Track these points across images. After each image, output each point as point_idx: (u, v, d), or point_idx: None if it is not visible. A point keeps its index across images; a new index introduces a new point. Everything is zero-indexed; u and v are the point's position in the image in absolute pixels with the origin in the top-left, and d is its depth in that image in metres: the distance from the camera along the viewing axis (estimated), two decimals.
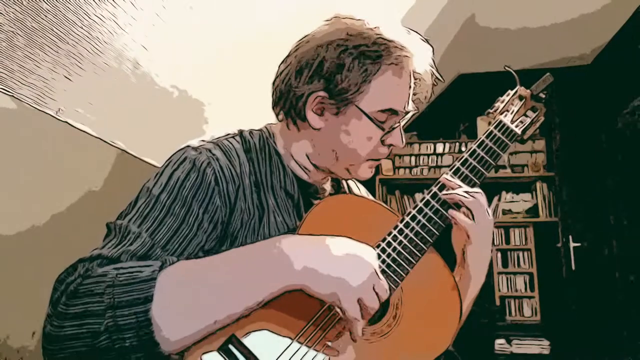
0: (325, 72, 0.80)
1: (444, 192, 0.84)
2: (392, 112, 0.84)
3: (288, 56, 0.86)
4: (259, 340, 0.69)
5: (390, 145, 0.87)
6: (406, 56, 0.82)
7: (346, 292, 0.67)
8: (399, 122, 0.86)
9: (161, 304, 0.61)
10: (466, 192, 0.84)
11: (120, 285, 0.61)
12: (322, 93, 0.81)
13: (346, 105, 0.82)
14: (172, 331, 0.62)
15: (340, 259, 0.69)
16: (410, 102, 0.87)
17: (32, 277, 1.22)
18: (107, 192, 1.60)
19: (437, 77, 0.88)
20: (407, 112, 0.86)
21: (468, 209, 0.83)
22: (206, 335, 0.65)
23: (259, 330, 0.70)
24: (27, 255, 1.37)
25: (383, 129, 0.84)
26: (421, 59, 0.84)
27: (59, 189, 1.47)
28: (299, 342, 0.71)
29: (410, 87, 0.85)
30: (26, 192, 1.37)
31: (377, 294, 0.70)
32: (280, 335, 0.70)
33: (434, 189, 0.86)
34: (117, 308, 0.60)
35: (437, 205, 0.84)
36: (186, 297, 0.64)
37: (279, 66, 0.87)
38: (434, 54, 0.87)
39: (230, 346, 0.67)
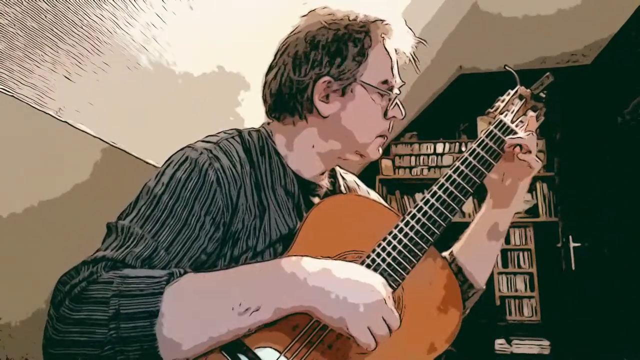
0: (324, 58, 0.82)
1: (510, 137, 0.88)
2: (388, 83, 0.87)
3: (276, 59, 0.87)
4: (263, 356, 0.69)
5: (392, 117, 0.89)
6: (388, 27, 0.86)
7: (353, 319, 0.67)
8: (398, 92, 0.89)
9: (166, 319, 0.61)
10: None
11: (125, 296, 0.61)
12: (326, 78, 0.83)
13: (351, 84, 0.84)
14: (176, 346, 0.62)
15: (349, 286, 0.69)
16: (397, 73, 0.90)
17: (32, 276, 1.22)
18: (106, 192, 1.60)
19: (418, 41, 0.91)
20: (398, 84, 0.90)
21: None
22: (209, 350, 0.65)
23: (263, 347, 0.69)
24: (27, 255, 1.37)
25: (389, 97, 0.87)
26: (400, 29, 0.88)
27: (58, 189, 1.47)
28: (286, 357, 0.70)
29: (394, 56, 0.89)
30: (26, 192, 1.37)
31: (386, 322, 0.69)
32: (279, 352, 0.70)
33: (435, 188, 0.86)
34: (122, 320, 0.60)
35: (437, 205, 0.84)
36: (192, 313, 0.64)
37: (266, 75, 0.89)
38: (410, 28, 0.90)
39: (239, 354, 0.67)
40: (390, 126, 0.90)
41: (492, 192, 0.94)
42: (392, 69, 0.88)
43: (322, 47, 0.82)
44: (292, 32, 0.87)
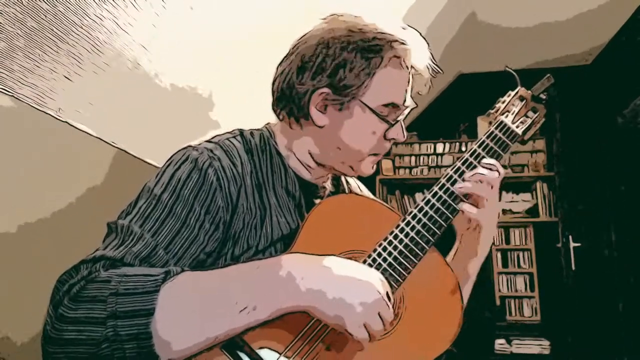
0: (328, 69, 0.81)
1: (456, 185, 0.84)
2: (394, 106, 0.84)
3: (288, 56, 0.86)
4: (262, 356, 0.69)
5: (392, 139, 0.87)
6: (405, 49, 0.82)
7: (351, 317, 0.67)
8: (401, 115, 0.87)
9: (162, 317, 0.61)
10: (480, 172, 0.84)
11: (123, 294, 0.61)
12: (325, 89, 0.81)
13: (350, 101, 0.82)
14: (172, 344, 0.62)
15: (347, 285, 0.69)
16: (409, 96, 0.87)
17: (31, 276, 1.22)
18: (107, 192, 1.60)
19: (436, 70, 0.88)
20: (407, 107, 0.87)
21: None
22: (205, 348, 0.65)
23: (264, 346, 0.69)
24: (27, 255, 1.37)
25: (387, 122, 0.84)
26: (419, 52, 0.85)
27: (58, 189, 1.47)
28: (286, 357, 0.70)
29: (409, 80, 0.86)
30: (26, 192, 1.36)
31: (382, 318, 0.70)
32: (279, 352, 0.70)
33: (435, 188, 0.86)
34: (119, 318, 0.60)
35: (438, 205, 0.84)
36: (188, 311, 0.64)
37: (278, 67, 0.88)
38: (431, 53, 0.87)
39: (239, 352, 0.67)
40: (390, 145, 0.89)
41: (460, 237, 0.90)
42: (400, 92, 0.84)
43: (329, 57, 0.80)
44: (308, 33, 0.85)
